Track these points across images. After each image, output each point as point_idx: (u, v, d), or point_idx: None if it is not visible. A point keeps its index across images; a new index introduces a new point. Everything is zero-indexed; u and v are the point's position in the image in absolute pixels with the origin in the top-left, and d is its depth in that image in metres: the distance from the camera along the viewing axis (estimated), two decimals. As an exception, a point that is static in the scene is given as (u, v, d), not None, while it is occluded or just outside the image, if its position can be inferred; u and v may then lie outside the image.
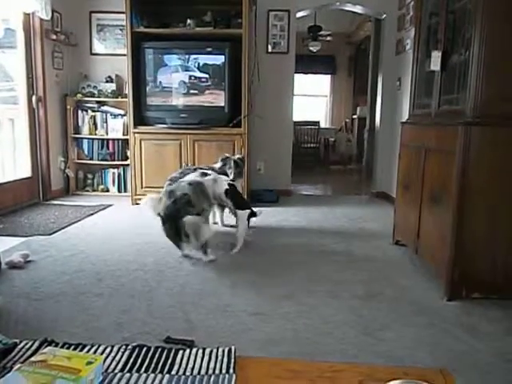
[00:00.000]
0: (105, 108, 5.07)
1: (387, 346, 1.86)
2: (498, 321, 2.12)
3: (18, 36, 4.36)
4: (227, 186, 3.12)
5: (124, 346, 1.39)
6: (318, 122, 8.72)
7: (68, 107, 4.98)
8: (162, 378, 1.18)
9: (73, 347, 1.42)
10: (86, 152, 5.14)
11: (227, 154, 3.84)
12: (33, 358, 0.99)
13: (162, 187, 4.56)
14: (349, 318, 2.09)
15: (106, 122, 5.07)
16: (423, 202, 2.77)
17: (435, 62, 2.69)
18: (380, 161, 5.35)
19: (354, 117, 9.50)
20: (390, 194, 4.83)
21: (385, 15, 5.14)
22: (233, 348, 1.33)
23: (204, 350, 1.34)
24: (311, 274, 2.67)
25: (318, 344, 1.86)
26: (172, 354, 1.32)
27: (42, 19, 4.37)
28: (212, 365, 1.23)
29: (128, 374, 1.20)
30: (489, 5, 2.19)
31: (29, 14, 4.33)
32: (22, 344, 1.42)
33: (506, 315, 2.18)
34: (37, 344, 1.46)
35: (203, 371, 1.21)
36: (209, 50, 4.42)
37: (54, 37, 4.66)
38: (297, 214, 4.35)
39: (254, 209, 3.21)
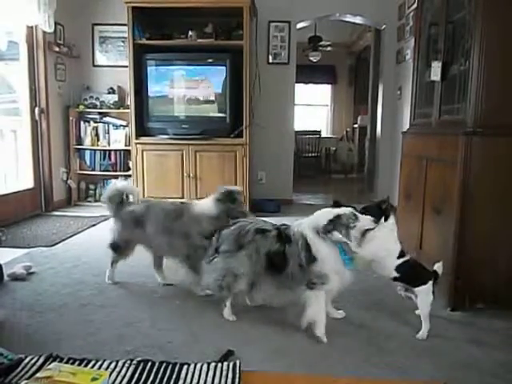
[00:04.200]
0: (107, 119, 5.10)
1: (390, 356, 1.85)
2: (502, 331, 2.11)
3: (20, 48, 4.40)
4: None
5: (129, 361, 1.39)
6: (319, 132, 8.74)
7: (70, 118, 5.00)
8: (167, 394, 1.18)
9: (77, 362, 1.42)
10: (88, 163, 5.16)
11: None
12: (38, 374, 1.00)
13: (164, 197, 4.59)
14: (350, 328, 2.08)
15: (108, 133, 5.10)
16: (425, 212, 2.77)
17: (435, 72, 2.71)
18: (381, 170, 5.35)
19: (355, 126, 9.51)
20: (391, 204, 4.82)
21: (385, 26, 5.18)
22: (238, 362, 1.32)
23: (209, 364, 1.33)
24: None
25: (321, 355, 1.85)
26: (177, 369, 1.31)
27: (44, 32, 4.41)
28: (217, 380, 1.23)
29: (133, 390, 1.20)
30: (488, 15, 2.21)
31: (32, 27, 4.37)
32: (27, 359, 1.42)
33: (509, 325, 2.17)
34: (42, 359, 1.46)
35: (208, 386, 1.21)
36: (210, 61, 4.45)
37: (57, 49, 4.70)
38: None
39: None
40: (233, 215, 2.38)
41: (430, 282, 2.05)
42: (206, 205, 2.54)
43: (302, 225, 2.04)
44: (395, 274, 2.06)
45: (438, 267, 2.11)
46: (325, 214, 1.98)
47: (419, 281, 2.06)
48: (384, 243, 2.07)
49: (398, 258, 2.07)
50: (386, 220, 2.09)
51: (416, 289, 2.07)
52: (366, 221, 1.99)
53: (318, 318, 1.97)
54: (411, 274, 2.09)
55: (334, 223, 1.91)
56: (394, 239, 2.11)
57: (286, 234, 2.06)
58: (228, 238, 2.14)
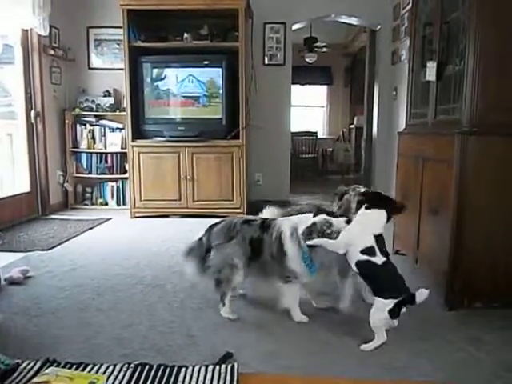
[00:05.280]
0: (103, 122, 5.09)
1: (389, 357, 1.85)
2: (500, 330, 2.11)
3: (16, 52, 4.38)
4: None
5: (126, 365, 1.39)
6: (316, 133, 8.76)
7: (66, 122, 5.00)
8: (165, 397, 1.18)
9: (75, 367, 1.41)
10: (84, 166, 5.14)
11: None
12: (35, 379, 0.99)
13: (161, 200, 4.59)
14: (348, 329, 2.08)
15: (105, 136, 5.09)
16: (422, 212, 2.77)
17: (431, 72, 2.71)
18: (378, 170, 5.36)
19: (352, 126, 9.53)
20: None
21: (380, 26, 5.19)
22: (235, 365, 1.32)
23: (207, 366, 1.33)
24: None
25: (319, 356, 1.85)
26: (174, 372, 1.31)
27: (39, 35, 4.40)
28: (215, 382, 1.22)
29: (130, 393, 1.19)
30: (482, 15, 2.21)
31: (27, 30, 4.36)
32: (24, 364, 1.41)
33: (507, 324, 2.17)
34: (39, 364, 1.45)
35: (206, 389, 1.21)
36: (206, 62, 4.45)
37: (52, 52, 4.69)
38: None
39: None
40: None
41: (393, 302, 1.82)
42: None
43: (284, 221, 2.15)
44: (354, 269, 1.94)
45: (419, 294, 1.83)
46: (303, 219, 2.06)
47: (380, 291, 1.86)
48: (351, 232, 1.94)
49: (370, 254, 1.88)
50: (367, 209, 1.97)
51: (374, 297, 1.89)
52: (340, 223, 2.02)
53: (291, 306, 2.15)
54: (373, 277, 1.90)
55: (310, 230, 1.99)
56: (366, 231, 1.92)
57: (267, 224, 2.17)
58: (218, 233, 2.24)
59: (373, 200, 2.02)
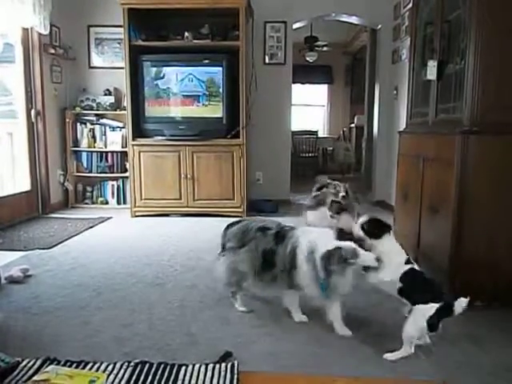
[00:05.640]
0: (103, 121, 5.09)
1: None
2: (500, 329, 2.11)
3: (16, 50, 4.38)
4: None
5: (126, 363, 1.39)
6: (316, 132, 8.76)
7: (67, 120, 4.99)
8: (165, 395, 1.18)
9: (75, 365, 1.41)
10: (85, 165, 5.14)
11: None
12: (35, 377, 0.99)
13: (161, 199, 4.59)
14: (349, 328, 2.07)
15: (105, 135, 5.09)
16: (423, 211, 2.77)
17: (431, 71, 2.71)
18: (378, 169, 5.36)
19: (352, 126, 9.53)
20: (389, 203, 4.83)
21: (380, 25, 5.18)
22: (236, 363, 1.32)
23: (207, 365, 1.33)
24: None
25: (319, 356, 1.85)
26: (174, 371, 1.31)
27: (40, 34, 4.39)
28: (215, 381, 1.22)
29: (130, 391, 1.19)
30: (483, 14, 2.21)
31: (27, 29, 4.36)
32: (24, 362, 1.41)
33: (507, 324, 2.17)
34: (39, 362, 1.45)
35: (206, 387, 1.21)
36: (206, 62, 4.45)
37: (53, 51, 4.69)
38: (297, 224, 4.33)
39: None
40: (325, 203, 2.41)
41: (434, 307, 1.72)
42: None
43: (301, 235, 2.04)
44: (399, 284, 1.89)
45: (458, 303, 1.75)
46: (325, 241, 1.92)
47: (421, 297, 1.79)
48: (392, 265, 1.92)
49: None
50: (377, 237, 1.98)
51: (412, 307, 1.82)
52: (368, 258, 1.87)
53: (292, 306, 2.15)
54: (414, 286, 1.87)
55: (331, 254, 1.86)
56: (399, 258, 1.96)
57: (282, 235, 2.09)
58: (233, 235, 2.22)
59: (379, 228, 2.02)
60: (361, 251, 1.88)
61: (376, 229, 2.00)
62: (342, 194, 2.40)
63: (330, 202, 2.42)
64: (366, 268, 1.91)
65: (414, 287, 1.86)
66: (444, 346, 1.94)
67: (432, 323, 1.72)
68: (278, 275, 2.08)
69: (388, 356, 1.80)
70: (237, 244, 2.18)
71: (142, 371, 1.31)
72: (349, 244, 1.89)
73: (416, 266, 1.94)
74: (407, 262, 1.94)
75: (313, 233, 2.04)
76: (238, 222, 2.29)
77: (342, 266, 1.84)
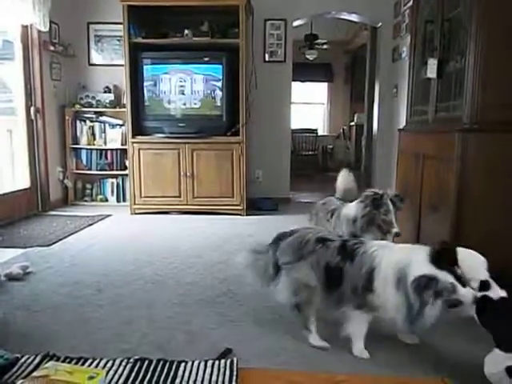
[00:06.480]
0: (103, 118, 5.09)
1: (388, 354, 1.84)
2: (500, 327, 2.11)
3: (15, 48, 4.37)
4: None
5: (125, 360, 1.39)
6: (316, 130, 8.76)
7: (66, 118, 4.99)
8: (165, 392, 1.18)
9: (74, 361, 1.41)
10: (84, 162, 5.14)
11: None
12: (35, 373, 0.99)
13: (161, 196, 4.59)
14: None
15: (105, 132, 5.09)
16: (422, 209, 2.77)
17: (431, 69, 2.71)
18: (378, 167, 5.36)
19: (352, 124, 9.53)
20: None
21: (380, 23, 5.18)
22: (235, 360, 1.32)
23: (206, 362, 1.33)
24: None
25: (319, 353, 1.85)
26: (174, 367, 1.31)
27: (39, 31, 4.39)
28: (214, 377, 1.23)
29: (130, 388, 1.19)
30: (483, 12, 2.21)
31: (27, 26, 4.35)
32: (23, 359, 1.42)
33: (507, 322, 2.17)
34: (38, 359, 1.45)
35: (205, 384, 1.21)
36: (206, 59, 4.44)
37: (52, 48, 4.68)
38: (297, 222, 4.31)
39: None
40: (375, 222, 2.26)
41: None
42: (351, 206, 2.44)
43: (381, 253, 1.72)
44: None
45: None
46: (414, 261, 1.63)
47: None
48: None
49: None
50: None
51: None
52: (467, 296, 1.59)
53: (355, 336, 1.80)
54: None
55: (428, 284, 1.56)
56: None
57: (351, 249, 1.78)
58: (287, 249, 1.91)
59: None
60: (458, 287, 1.58)
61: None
62: (395, 230, 2.28)
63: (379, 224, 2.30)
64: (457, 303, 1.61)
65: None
66: (444, 345, 1.94)
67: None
68: (345, 297, 1.76)
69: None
70: (292, 258, 1.86)
71: (141, 368, 1.31)
72: (447, 276, 1.58)
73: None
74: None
75: (397, 254, 1.71)
76: (290, 234, 1.97)
77: (435, 299, 1.56)
